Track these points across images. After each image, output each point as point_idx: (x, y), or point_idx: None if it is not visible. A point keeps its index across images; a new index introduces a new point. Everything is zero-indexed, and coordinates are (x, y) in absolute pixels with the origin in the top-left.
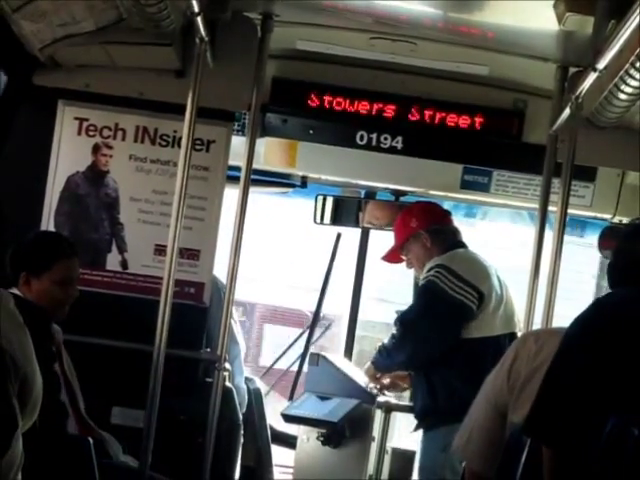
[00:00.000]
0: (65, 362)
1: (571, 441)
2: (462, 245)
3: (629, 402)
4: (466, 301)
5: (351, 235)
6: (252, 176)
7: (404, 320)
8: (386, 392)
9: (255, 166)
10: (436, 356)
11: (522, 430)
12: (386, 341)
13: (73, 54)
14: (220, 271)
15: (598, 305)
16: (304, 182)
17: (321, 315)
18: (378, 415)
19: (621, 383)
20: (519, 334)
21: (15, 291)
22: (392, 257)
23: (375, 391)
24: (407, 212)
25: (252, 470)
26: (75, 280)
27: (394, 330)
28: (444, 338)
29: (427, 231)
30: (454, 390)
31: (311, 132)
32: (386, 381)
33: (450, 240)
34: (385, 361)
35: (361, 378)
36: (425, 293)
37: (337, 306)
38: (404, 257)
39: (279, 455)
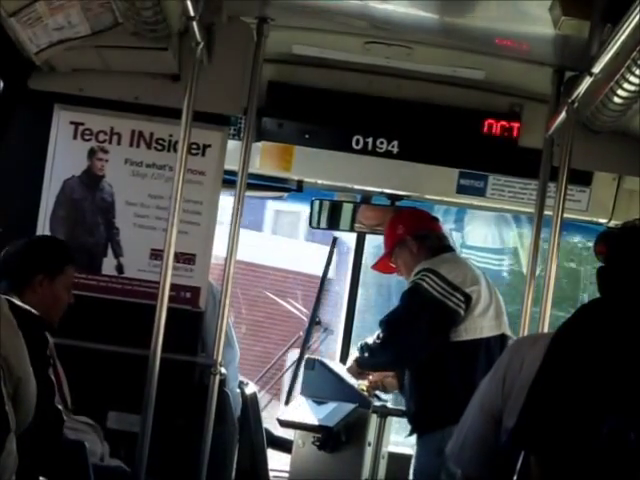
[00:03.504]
0: (58, 367)
1: (560, 449)
2: (449, 249)
3: (618, 408)
4: (451, 304)
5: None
6: (248, 180)
7: (389, 321)
8: (376, 392)
9: (251, 170)
10: (420, 358)
11: (511, 440)
12: (370, 341)
13: (69, 58)
14: None
15: (585, 312)
16: (300, 186)
17: (317, 319)
18: (374, 420)
19: (609, 389)
20: (509, 335)
21: (13, 298)
22: (383, 266)
23: (363, 388)
24: (394, 219)
25: (248, 474)
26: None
27: (379, 331)
28: (427, 341)
29: (413, 237)
30: (447, 393)
31: (307, 136)
32: (372, 378)
33: (437, 245)
34: (368, 360)
35: (350, 378)
36: (411, 295)
37: None
38: (394, 265)
39: (275, 459)
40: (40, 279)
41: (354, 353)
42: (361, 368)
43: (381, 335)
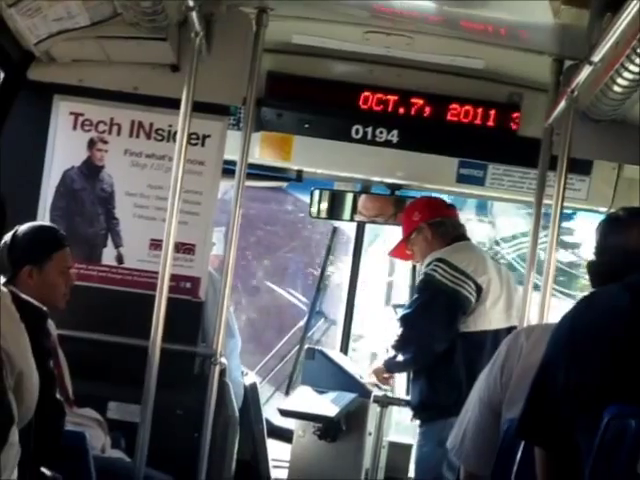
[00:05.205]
0: (60, 358)
1: (563, 441)
2: (464, 238)
3: (619, 396)
4: (464, 292)
5: None
6: (247, 170)
7: (406, 317)
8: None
9: (250, 160)
10: (441, 350)
11: (514, 432)
12: (392, 341)
13: (68, 49)
14: None
15: (586, 302)
16: (299, 176)
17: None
18: (374, 409)
19: (611, 377)
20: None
21: (12, 288)
22: (399, 252)
23: (375, 386)
24: (411, 206)
25: (248, 464)
26: (70, 268)
27: (398, 329)
28: (446, 331)
29: (429, 224)
30: (453, 384)
31: (306, 126)
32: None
33: (452, 233)
34: (392, 360)
35: (357, 371)
36: (424, 288)
37: None
38: (409, 251)
39: (275, 449)
40: (28, 271)
41: (380, 356)
42: (389, 371)
43: (400, 332)
